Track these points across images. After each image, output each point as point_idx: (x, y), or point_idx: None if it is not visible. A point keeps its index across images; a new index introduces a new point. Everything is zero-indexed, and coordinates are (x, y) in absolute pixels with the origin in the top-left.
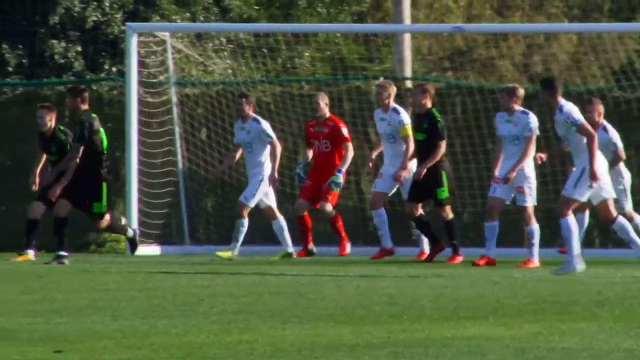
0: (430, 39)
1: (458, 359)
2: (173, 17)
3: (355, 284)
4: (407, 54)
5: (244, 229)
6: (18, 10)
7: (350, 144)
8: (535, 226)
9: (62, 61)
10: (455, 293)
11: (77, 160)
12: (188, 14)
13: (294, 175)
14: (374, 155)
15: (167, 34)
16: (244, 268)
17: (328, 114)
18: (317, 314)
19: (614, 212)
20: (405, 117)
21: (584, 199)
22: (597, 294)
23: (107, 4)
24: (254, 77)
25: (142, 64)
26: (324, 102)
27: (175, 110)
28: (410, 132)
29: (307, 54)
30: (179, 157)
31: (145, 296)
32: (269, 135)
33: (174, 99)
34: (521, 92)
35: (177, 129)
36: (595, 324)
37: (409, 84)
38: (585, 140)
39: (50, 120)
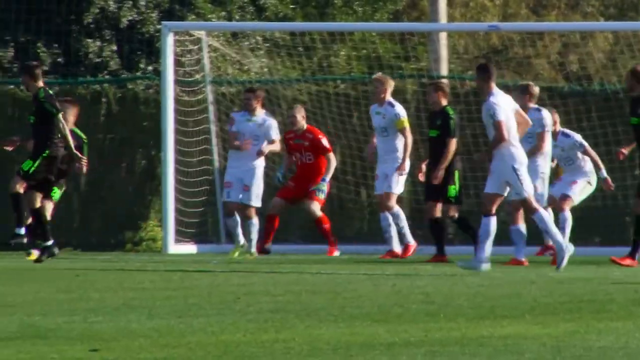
0: (466, 38)
1: (494, 357)
2: (209, 16)
3: (391, 283)
4: (443, 52)
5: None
6: (53, 9)
7: (332, 154)
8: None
9: (98, 60)
10: (492, 291)
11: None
12: (224, 13)
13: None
14: (371, 151)
15: (202, 32)
16: (280, 267)
17: (305, 126)
18: (353, 312)
19: (537, 206)
20: (401, 110)
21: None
22: (634, 292)
23: (142, 3)
24: (290, 75)
25: (178, 63)
26: (300, 115)
27: (211, 108)
28: (407, 124)
29: (343, 52)
30: (215, 155)
31: (181, 295)
32: (276, 134)
33: (210, 98)
34: (536, 89)
35: (213, 128)
36: (631, 323)
37: (445, 82)
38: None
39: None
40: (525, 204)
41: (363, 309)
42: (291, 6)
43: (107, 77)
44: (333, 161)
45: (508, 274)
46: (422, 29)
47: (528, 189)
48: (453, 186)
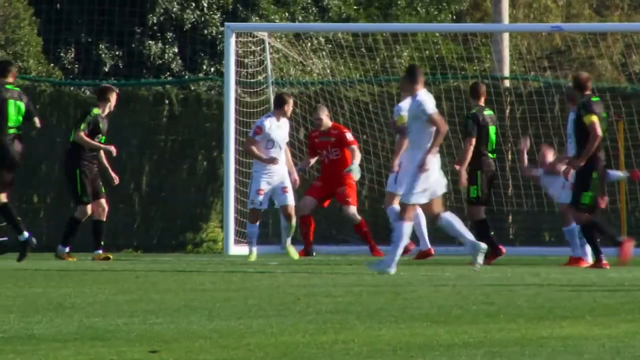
0: (528, 38)
1: (554, 358)
2: (271, 17)
3: (451, 284)
4: (506, 53)
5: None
6: (116, 10)
7: (355, 146)
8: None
9: (160, 62)
10: (552, 292)
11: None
12: (287, 14)
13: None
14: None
15: (265, 33)
16: (341, 268)
17: (330, 124)
18: (413, 313)
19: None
20: (405, 106)
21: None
22: None
23: (205, 4)
24: (353, 76)
25: (240, 64)
26: (325, 115)
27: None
28: (405, 121)
29: (405, 53)
30: None
31: (241, 296)
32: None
33: (272, 99)
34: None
35: None
36: None
37: (507, 83)
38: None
39: None
40: (401, 207)
41: (423, 309)
42: (354, 7)
43: (169, 78)
44: (358, 152)
45: (567, 274)
46: (485, 29)
47: (415, 197)
48: (474, 187)
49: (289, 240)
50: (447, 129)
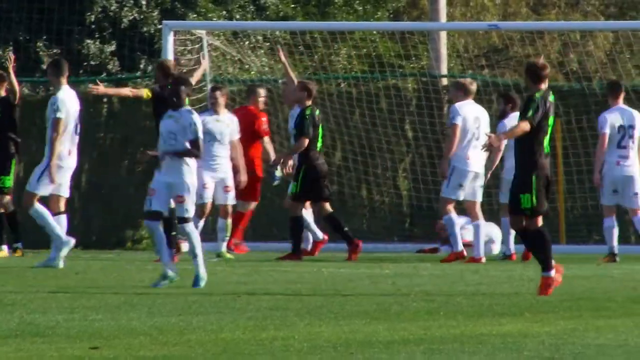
0: (466, 37)
1: (494, 355)
2: (209, 15)
3: (391, 281)
4: (443, 51)
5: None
6: (54, 9)
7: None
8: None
9: (98, 60)
10: (491, 289)
11: None
12: (224, 12)
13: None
14: None
15: (203, 32)
16: (280, 265)
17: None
18: (352, 310)
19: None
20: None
21: None
22: (632, 290)
23: (143, 2)
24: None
25: (178, 62)
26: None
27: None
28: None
29: (343, 51)
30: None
31: (181, 293)
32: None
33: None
34: (469, 86)
35: None
36: (630, 321)
37: (444, 81)
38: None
39: None
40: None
41: (362, 306)
42: (292, 5)
43: (107, 77)
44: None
45: (507, 271)
46: (422, 28)
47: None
48: (295, 183)
49: (224, 243)
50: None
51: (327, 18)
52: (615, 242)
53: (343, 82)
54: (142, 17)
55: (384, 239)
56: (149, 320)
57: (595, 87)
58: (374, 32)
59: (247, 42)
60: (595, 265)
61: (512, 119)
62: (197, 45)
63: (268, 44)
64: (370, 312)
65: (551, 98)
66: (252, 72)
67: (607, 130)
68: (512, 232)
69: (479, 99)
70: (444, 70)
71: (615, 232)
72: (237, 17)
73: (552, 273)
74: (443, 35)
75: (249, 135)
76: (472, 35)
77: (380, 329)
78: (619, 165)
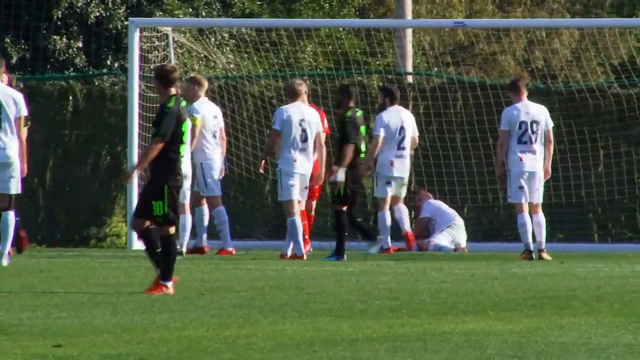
0: (432, 34)
1: (457, 353)
2: (176, 12)
3: (355, 279)
4: (409, 49)
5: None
6: (21, 5)
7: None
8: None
9: (64, 56)
10: (455, 287)
11: None
12: (190, 9)
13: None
14: None
15: (169, 28)
16: (244, 262)
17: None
18: (316, 308)
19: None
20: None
21: None
22: (596, 288)
23: None
24: (257, 71)
25: (144, 59)
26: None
27: None
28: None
29: (309, 48)
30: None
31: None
32: None
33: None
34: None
35: None
36: (594, 319)
37: (410, 79)
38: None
39: None
40: None
41: (326, 304)
42: (258, 2)
43: (73, 73)
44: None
45: (471, 269)
46: (388, 25)
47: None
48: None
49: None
50: None
51: (293, 15)
52: (530, 239)
53: (308, 79)
54: (108, 13)
55: (348, 237)
56: (113, 318)
57: (560, 86)
58: (340, 29)
59: (213, 39)
60: (559, 263)
61: (391, 113)
62: (163, 42)
63: (234, 41)
64: (334, 310)
65: (183, 103)
66: (218, 69)
67: (506, 128)
68: (389, 225)
69: (443, 97)
70: (409, 67)
71: (529, 228)
72: (203, 14)
73: (170, 284)
74: (409, 32)
75: None
76: (437, 33)
77: (344, 326)
78: (522, 161)
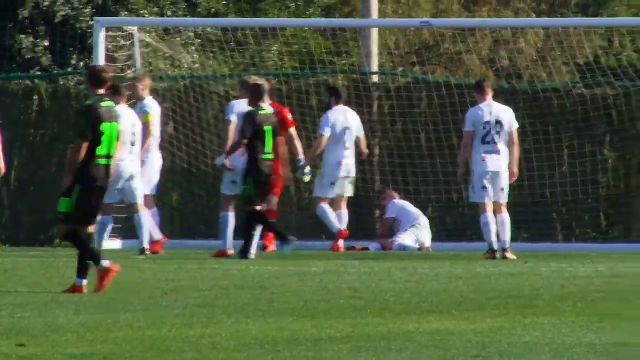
0: (397, 34)
1: (420, 353)
2: (141, 12)
3: (318, 279)
4: (374, 48)
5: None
6: None
7: (294, 130)
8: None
9: (30, 56)
10: (419, 287)
11: None
12: (156, 9)
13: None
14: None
15: (135, 28)
16: (208, 262)
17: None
18: (280, 308)
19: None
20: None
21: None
22: (560, 288)
23: None
24: (222, 71)
25: (110, 59)
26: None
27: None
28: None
29: (275, 48)
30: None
31: (108, 290)
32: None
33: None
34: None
35: None
36: (557, 318)
37: (375, 78)
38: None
39: None
40: None
41: (290, 304)
42: (223, 2)
43: (39, 72)
44: (296, 137)
45: (435, 269)
46: (353, 24)
47: None
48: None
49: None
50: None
51: (259, 15)
52: (493, 238)
53: (274, 79)
54: (74, 13)
55: (312, 237)
56: (76, 318)
57: (526, 86)
58: (306, 28)
59: (178, 39)
60: (523, 263)
61: (337, 112)
62: (128, 42)
63: (199, 40)
64: (297, 309)
65: (105, 104)
66: (184, 69)
67: (471, 128)
68: (333, 214)
69: (409, 96)
70: (374, 67)
71: (493, 228)
72: (169, 13)
73: (84, 283)
74: (374, 32)
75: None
76: (403, 32)
77: (307, 326)
78: (485, 161)
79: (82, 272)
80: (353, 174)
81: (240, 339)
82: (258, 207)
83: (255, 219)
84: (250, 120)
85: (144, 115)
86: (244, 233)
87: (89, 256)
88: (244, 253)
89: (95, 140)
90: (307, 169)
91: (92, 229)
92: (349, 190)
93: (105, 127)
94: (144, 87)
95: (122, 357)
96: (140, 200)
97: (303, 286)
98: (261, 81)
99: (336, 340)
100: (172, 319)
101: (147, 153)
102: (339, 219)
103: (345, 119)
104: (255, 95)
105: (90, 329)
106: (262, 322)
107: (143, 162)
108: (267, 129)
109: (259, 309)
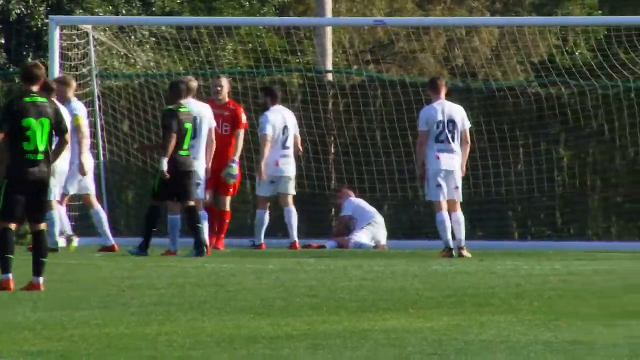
0: (351, 32)
1: (376, 350)
2: (96, 10)
3: (275, 276)
4: (329, 46)
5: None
6: None
7: (243, 132)
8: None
9: None
10: (375, 285)
11: None
12: (111, 7)
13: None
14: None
15: (89, 26)
16: (165, 260)
17: (227, 99)
18: (236, 305)
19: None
20: None
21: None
22: (515, 286)
23: None
24: (177, 69)
25: (64, 57)
26: (226, 84)
27: (97, 102)
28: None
29: (229, 46)
30: (100, 149)
31: (65, 287)
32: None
33: (96, 91)
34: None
35: (98, 121)
36: (513, 316)
37: (330, 77)
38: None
39: None
40: None
41: (246, 302)
42: (178, 1)
43: None
44: (242, 139)
45: (391, 267)
46: (307, 23)
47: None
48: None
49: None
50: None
51: (213, 13)
52: (449, 236)
53: (228, 77)
54: (29, 11)
55: (267, 234)
56: (33, 315)
57: (481, 85)
58: (260, 27)
59: (133, 37)
60: (479, 261)
61: (274, 112)
62: (83, 40)
63: (154, 38)
64: (254, 307)
65: (29, 99)
66: (138, 67)
67: (425, 128)
68: (265, 224)
69: (363, 95)
70: (329, 65)
71: (448, 226)
72: (124, 12)
73: (10, 276)
74: (328, 30)
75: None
76: (357, 31)
77: (263, 324)
78: (439, 160)
79: (4, 267)
80: (290, 173)
81: (197, 336)
82: (161, 203)
83: (155, 214)
84: (174, 117)
85: (73, 118)
86: (144, 228)
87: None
88: (142, 249)
89: (20, 136)
90: (233, 169)
91: (42, 226)
92: (291, 188)
93: (29, 122)
94: (69, 89)
95: (78, 354)
96: (54, 198)
97: (259, 284)
98: (191, 80)
99: (292, 338)
100: (128, 317)
101: (75, 152)
102: (286, 215)
103: (282, 119)
104: (174, 93)
105: (47, 326)
106: (219, 319)
107: (72, 163)
108: (188, 126)
109: (215, 307)
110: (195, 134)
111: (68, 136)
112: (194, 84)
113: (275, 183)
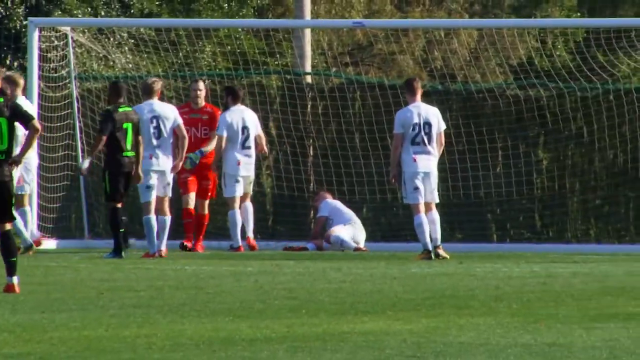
0: (330, 34)
1: (355, 353)
2: (75, 12)
3: (253, 279)
4: (307, 49)
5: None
6: None
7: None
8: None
9: None
10: (354, 287)
11: None
12: (90, 9)
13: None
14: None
15: (68, 28)
16: (143, 262)
17: (204, 102)
18: (215, 308)
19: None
20: None
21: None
22: (495, 288)
23: None
24: (155, 71)
25: (43, 59)
26: (204, 88)
27: (76, 104)
28: None
29: (208, 48)
30: (79, 151)
31: (44, 290)
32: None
33: (75, 93)
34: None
35: (77, 123)
36: (492, 319)
37: (309, 79)
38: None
39: None
40: None
41: (225, 304)
42: (157, 2)
43: None
44: (214, 142)
45: (370, 269)
46: (286, 25)
47: None
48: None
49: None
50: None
51: (192, 15)
52: (428, 239)
53: (207, 79)
54: (7, 13)
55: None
56: (12, 318)
57: (460, 87)
58: (239, 29)
59: (112, 39)
60: (457, 263)
61: (233, 112)
62: (62, 42)
63: (133, 40)
64: (233, 309)
65: None
66: (117, 69)
67: (400, 130)
68: (239, 224)
69: (342, 97)
70: (308, 67)
71: (427, 228)
72: (102, 13)
73: (15, 280)
74: (307, 32)
75: None
76: (336, 33)
77: (243, 326)
78: (416, 162)
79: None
80: (250, 173)
81: (176, 339)
82: (118, 205)
83: (117, 216)
84: (108, 118)
85: None
86: (112, 232)
87: None
88: (116, 252)
89: None
90: (196, 156)
91: (8, 226)
92: (250, 189)
93: None
94: (18, 87)
95: (58, 357)
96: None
97: (238, 286)
98: (156, 81)
99: (271, 340)
100: (107, 319)
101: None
102: (244, 212)
103: (242, 119)
104: (113, 93)
105: (26, 329)
106: (198, 322)
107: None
108: (127, 126)
109: (195, 309)
110: (158, 134)
111: (36, 122)
112: (158, 84)
113: (239, 182)
